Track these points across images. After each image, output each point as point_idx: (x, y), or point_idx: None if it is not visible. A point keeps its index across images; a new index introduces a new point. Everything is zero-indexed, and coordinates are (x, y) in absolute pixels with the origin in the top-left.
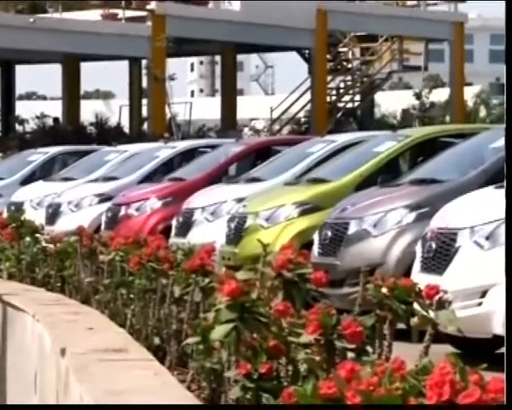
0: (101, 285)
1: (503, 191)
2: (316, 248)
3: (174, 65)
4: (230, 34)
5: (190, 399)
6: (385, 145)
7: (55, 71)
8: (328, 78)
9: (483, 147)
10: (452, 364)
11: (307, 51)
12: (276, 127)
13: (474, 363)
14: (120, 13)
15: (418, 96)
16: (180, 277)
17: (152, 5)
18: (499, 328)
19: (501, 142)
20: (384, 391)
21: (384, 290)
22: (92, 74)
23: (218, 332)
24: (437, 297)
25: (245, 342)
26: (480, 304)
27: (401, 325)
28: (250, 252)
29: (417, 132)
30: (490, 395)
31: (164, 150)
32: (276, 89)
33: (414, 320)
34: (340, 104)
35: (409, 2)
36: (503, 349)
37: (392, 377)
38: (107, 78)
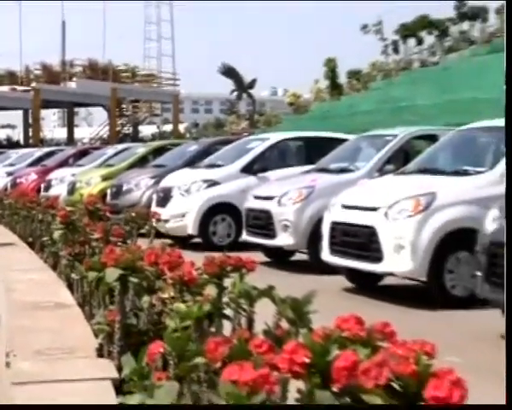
0: (5, 215)
1: (213, 170)
2: (109, 196)
3: (45, 112)
4: (71, 98)
5: (46, 267)
6: (140, 150)
7: None
8: (117, 119)
9: (184, 151)
10: (164, 245)
11: (107, 106)
12: (93, 142)
13: (180, 247)
14: (18, 88)
15: (158, 127)
16: (42, 210)
17: (34, 84)
18: (190, 230)
19: (192, 148)
20: (126, 257)
21: (133, 214)
22: (5, 116)
23: (56, 234)
24: (158, 217)
25: (70, 238)
26: (182, 220)
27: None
28: (76, 199)
29: (155, 144)
30: (194, 268)
31: (38, 152)
32: (93, 123)
33: (147, 227)
34: (123, 131)
35: (153, 85)
36: (195, 240)
37: (131, 252)
38: (13, 118)
